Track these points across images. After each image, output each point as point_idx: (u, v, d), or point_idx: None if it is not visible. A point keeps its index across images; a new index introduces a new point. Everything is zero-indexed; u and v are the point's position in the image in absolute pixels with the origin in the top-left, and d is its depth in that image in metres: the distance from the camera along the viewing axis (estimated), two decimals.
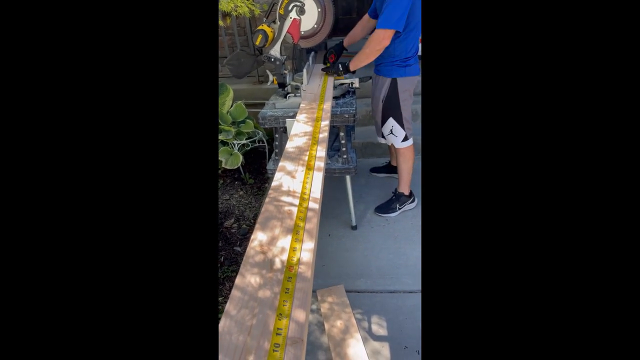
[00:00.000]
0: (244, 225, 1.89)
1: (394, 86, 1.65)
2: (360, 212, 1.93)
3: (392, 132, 1.74)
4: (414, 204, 1.92)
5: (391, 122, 1.72)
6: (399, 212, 1.89)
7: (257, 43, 1.57)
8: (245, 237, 1.81)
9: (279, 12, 1.55)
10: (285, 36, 1.59)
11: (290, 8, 1.54)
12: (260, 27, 1.59)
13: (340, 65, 1.71)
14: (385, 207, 1.90)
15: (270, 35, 1.58)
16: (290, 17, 1.56)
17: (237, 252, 1.72)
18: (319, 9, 1.55)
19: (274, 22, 1.60)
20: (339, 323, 1.32)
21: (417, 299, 1.42)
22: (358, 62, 1.62)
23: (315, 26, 1.60)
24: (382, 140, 1.84)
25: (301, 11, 1.56)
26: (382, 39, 1.48)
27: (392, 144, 1.79)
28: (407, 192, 1.88)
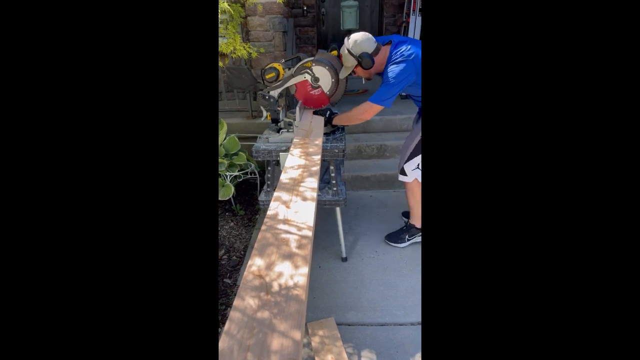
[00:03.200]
0: (234, 257, 1.88)
1: None
2: (350, 244, 1.96)
3: (418, 167, 1.79)
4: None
5: (419, 159, 1.77)
6: (407, 243, 1.92)
7: (268, 77, 1.69)
8: (235, 268, 1.80)
9: (301, 65, 1.70)
10: (290, 87, 1.74)
11: (309, 71, 1.71)
12: (275, 65, 1.72)
13: (328, 115, 1.80)
14: (395, 237, 1.94)
15: (281, 75, 1.71)
16: (304, 77, 1.71)
17: (226, 284, 1.70)
18: (333, 80, 1.73)
19: (289, 68, 1.74)
20: (329, 357, 1.30)
21: (406, 331, 1.42)
22: (341, 121, 1.77)
23: (328, 93, 1.77)
24: (403, 178, 1.86)
25: (315, 79, 1.73)
26: (366, 111, 1.64)
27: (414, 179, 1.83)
28: (418, 225, 1.92)
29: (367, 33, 1.67)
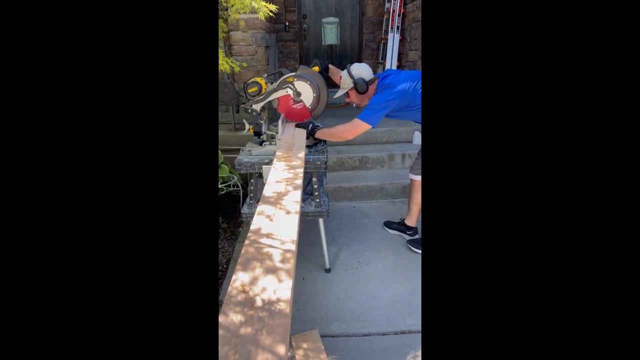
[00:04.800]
0: None
1: None
2: (333, 255, 1.97)
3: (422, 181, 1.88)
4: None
5: None
6: (394, 232, 2.17)
7: (250, 91, 1.71)
8: (218, 282, 1.77)
9: (283, 79, 1.72)
10: (272, 101, 1.76)
11: (291, 86, 1.74)
12: (257, 80, 1.74)
13: (311, 128, 1.85)
14: (389, 224, 2.17)
15: (264, 89, 1.74)
16: (286, 91, 1.74)
17: None
18: (314, 94, 1.77)
19: (272, 83, 1.77)
20: None
21: (389, 341, 1.44)
22: (323, 136, 1.83)
23: (310, 107, 1.81)
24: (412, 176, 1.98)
25: (297, 94, 1.76)
26: (349, 130, 1.74)
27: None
28: (409, 223, 2.09)
29: (368, 66, 1.83)
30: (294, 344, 1.41)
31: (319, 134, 1.83)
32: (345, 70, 1.82)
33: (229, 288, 0.61)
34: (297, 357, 1.36)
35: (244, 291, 0.60)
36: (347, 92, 1.85)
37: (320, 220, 1.76)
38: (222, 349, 0.48)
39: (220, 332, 0.51)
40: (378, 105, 1.71)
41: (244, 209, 1.75)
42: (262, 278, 0.65)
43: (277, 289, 0.62)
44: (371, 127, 1.73)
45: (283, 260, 0.70)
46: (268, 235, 0.80)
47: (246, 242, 0.78)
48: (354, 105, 1.94)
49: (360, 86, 1.75)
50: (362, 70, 1.79)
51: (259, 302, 0.58)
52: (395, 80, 1.75)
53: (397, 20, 3.75)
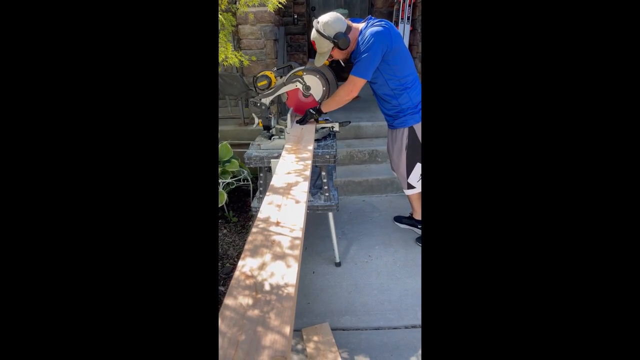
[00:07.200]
0: (227, 264, 1.87)
1: (412, 133, 1.71)
2: (343, 249, 1.96)
3: (422, 177, 1.78)
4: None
5: (419, 167, 1.75)
6: (404, 226, 2.13)
7: (259, 85, 1.71)
8: (229, 276, 1.78)
9: (293, 73, 1.70)
10: (281, 95, 1.75)
11: (301, 80, 1.71)
12: (267, 73, 1.73)
13: (313, 112, 1.76)
14: (399, 219, 2.15)
15: (273, 83, 1.73)
16: (295, 85, 1.72)
17: (220, 292, 1.68)
18: (324, 88, 1.74)
19: (281, 76, 1.75)
20: None
21: (401, 335, 1.42)
22: (329, 107, 1.72)
23: (319, 101, 1.79)
24: (411, 191, 1.83)
25: (306, 88, 1.73)
26: (350, 90, 1.61)
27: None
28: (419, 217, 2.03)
29: (335, 12, 1.58)
30: (305, 337, 1.41)
31: (325, 108, 1.72)
32: (314, 32, 1.52)
33: (237, 273, 0.61)
34: (308, 349, 1.36)
35: (252, 276, 0.60)
36: (329, 55, 1.61)
37: (330, 214, 1.75)
38: (231, 330, 0.48)
39: (229, 313, 0.51)
40: (369, 49, 1.49)
41: (254, 203, 1.75)
42: (270, 264, 0.64)
43: (285, 274, 0.61)
44: (366, 80, 1.56)
45: (290, 247, 0.70)
46: (276, 224, 0.79)
47: (254, 229, 0.77)
48: (342, 62, 1.69)
49: (342, 42, 1.50)
50: (334, 24, 1.50)
51: (267, 287, 0.57)
52: (386, 21, 1.58)
53: (407, 11, 3.67)
